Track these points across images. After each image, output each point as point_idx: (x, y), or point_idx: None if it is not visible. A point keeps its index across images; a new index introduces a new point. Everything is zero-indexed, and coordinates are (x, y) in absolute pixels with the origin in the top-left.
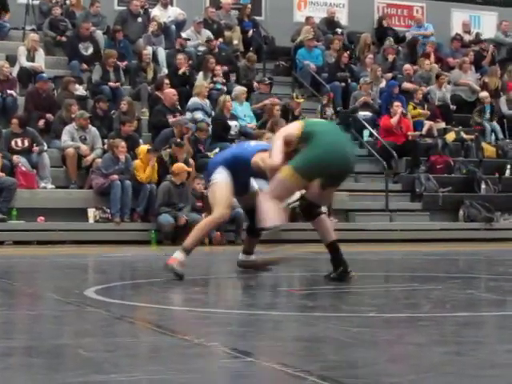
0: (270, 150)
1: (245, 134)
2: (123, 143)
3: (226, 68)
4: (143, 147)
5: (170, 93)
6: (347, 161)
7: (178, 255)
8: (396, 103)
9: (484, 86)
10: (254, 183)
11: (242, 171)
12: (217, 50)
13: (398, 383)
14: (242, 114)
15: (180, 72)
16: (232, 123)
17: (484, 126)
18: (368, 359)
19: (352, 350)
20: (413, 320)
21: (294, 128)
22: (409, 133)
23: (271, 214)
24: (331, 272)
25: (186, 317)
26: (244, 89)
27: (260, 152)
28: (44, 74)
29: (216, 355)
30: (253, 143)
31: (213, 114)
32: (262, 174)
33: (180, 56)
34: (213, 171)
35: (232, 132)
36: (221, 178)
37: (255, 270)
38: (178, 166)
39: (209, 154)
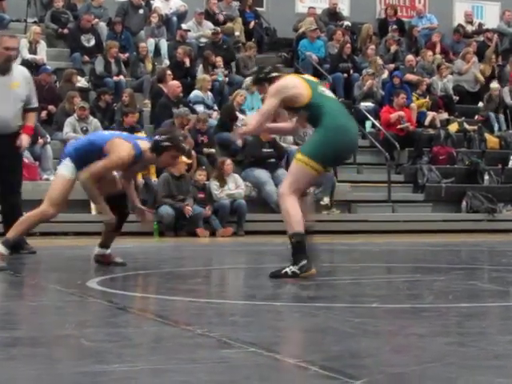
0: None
1: None
2: None
3: (222, 61)
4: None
5: (173, 85)
6: (356, 143)
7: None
8: (401, 95)
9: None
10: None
11: (95, 158)
12: (221, 42)
13: (400, 374)
14: (251, 105)
15: (187, 64)
16: (240, 116)
17: (488, 116)
18: (370, 350)
19: (354, 341)
20: (415, 311)
21: (303, 92)
22: (398, 126)
23: (296, 217)
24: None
25: (188, 307)
26: None
27: (115, 138)
28: (48, 66)
29: (218, 345)
30: (109, 132)
31: (215, 106)
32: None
33: (179, 50)
34: (61, 160)
35: (239, 124)
36: (65, 172)
37: (107, 265)
38: None
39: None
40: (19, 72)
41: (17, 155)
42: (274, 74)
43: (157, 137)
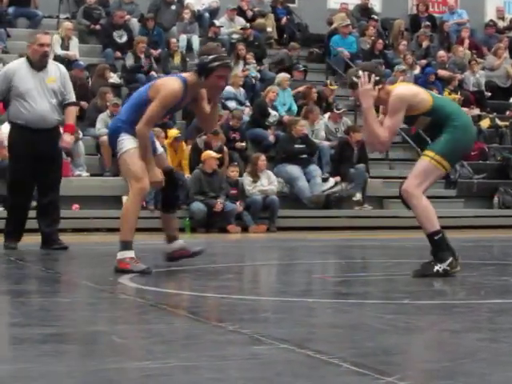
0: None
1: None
2: (163, 133)
3: (253, 57)
4: (173, 131)
5: None
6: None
7: (124, 254)
8: (433, 91)
9: None
10: (159, 145)
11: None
12: (252, 38)
13: (432, 370)
14: (283, 101)
15: None
16: (272, 112)
17: None
18: (402, 346)
19: (386, 337)
20: (447, 307)
21: (424, 96)
22: None
23: (434, 215)
24: (432, 260)
25: (219, 304)
26: (287, 76)
27: (155, 82)
28: (81, 62)
29: (250, 342)
30: (143, 88)
31: (247, 102)
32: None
33: None
34: (115, 139)
35: (271, 120)
36: (128, 145)
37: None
38: (206, 153)
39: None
40: (55, 67)
41: (56, 150)
42: (379, 86)
43: (202, 58)
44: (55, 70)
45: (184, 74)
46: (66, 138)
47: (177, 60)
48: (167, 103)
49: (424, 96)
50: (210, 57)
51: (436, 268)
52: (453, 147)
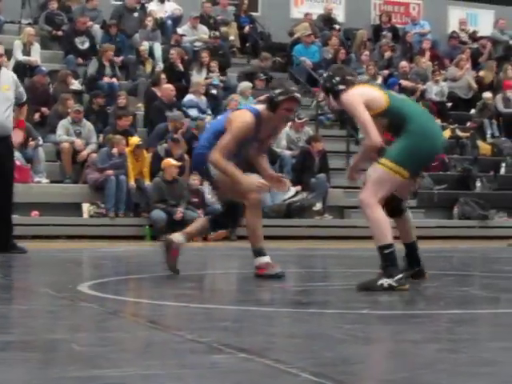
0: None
1: None
2: (124, 140)
3: (217, 66)
4: (134, 139)
5: (167, 88)
6: (442, 146)
7: (261, 260)
8: None
9: (478, 81)
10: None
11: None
12: (218, 46)
13: (391, 380)
14: None
15: (179, 67)
16: None
17: (481, 122)
18: (361, 356)
19: (345, 347)
20: (406, 317)
21: (378, 96)
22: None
23: (387, 228)
24: (403, 270)
25: (179, 312)
26: (249, 84)
27: (229, 115)
28: (43, 68)
29: (209, 351)
30: (222, 116)
31: (208, 111)
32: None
33: (172, 51)
34: (207, 164)
35: None
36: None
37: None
38: (166, 161)
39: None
40: (7, 75)
41: (13, 155)
42: (341, 87)
43: (270, 93)
44: (7, 77)
45: (258, 107)
46: (20, 133)
47: (148, 68)
48: (238, 134)
49: (377, 95)
50: (277, 91)
51: (381, 282)
52: (409, 153)
